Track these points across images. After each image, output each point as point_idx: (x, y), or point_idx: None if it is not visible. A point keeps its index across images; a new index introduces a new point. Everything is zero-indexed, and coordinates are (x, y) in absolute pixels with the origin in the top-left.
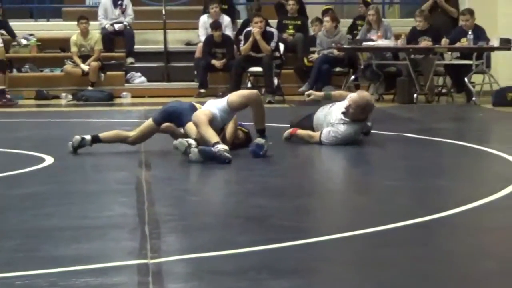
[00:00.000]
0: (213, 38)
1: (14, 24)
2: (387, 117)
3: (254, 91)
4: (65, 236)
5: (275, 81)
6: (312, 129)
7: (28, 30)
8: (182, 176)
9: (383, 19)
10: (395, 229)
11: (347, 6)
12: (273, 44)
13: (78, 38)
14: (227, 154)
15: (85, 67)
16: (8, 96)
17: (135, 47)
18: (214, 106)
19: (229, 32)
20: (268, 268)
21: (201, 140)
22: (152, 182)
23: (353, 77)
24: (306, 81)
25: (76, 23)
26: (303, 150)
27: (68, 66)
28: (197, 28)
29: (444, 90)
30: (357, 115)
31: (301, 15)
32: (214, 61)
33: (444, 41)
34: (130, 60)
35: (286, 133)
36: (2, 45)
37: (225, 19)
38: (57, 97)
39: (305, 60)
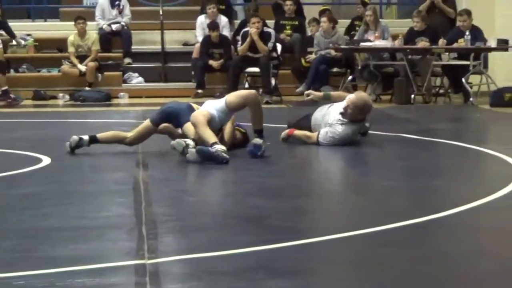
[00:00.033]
0: (211, 39)
1: (11, 24)
2: (385, 117)
3: (252, 91)
4: (62, 237)
5: (273, 81)
6: (310, 129)
7: (25, 30)
8: (179, 176)
9: (380, 20)
10: (392, 230)
11: (344, 7)
12: (270, 44)
13: (75, 38)
14: (224, 155)
15: (82, 67)
16: (12, 95)
17: (132, 47)
18: (212, 106)
19: (226, 32)
20: (265, 268)
21: (199, 141)
22: (149, 182)
23: (350, 77)
24: (303, 82)
25: (73, 23)
26: (301, 151)
27: (66, 67)
28: (194, 29)
29: (441, 91)
30: (355, 115)
31: (298, 16)
32: (211, 62)
33: (442, 42)
34: (127, 60)
35: (283, 134)
36: (1, 46)
37: (223, 20)
38: (55, 97)
39: (303, 61)
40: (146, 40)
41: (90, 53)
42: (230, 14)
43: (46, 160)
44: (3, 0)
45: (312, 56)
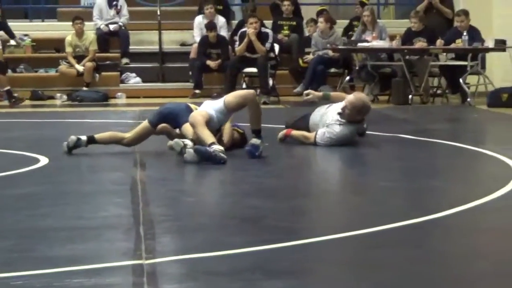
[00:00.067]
0: (208, 39)
1: (9, 24)
2: (382, 118)
3: (251, 91)
4: (60, 237)
5: (270, 82)
6: (308, 129)
7: (23, 30)
8: (177, 176)
9: (378, 20)
10: (389, 230)
11: (342, 7)
12: (268, 45)
13: (73, 38)
14: (222, 155)
15: (80, 67)
16: (15, 95)
17: (130, 47)
18: (210, 107)
19: (224, 32)
20: (262, 268)
21: (198, 141)
22: (147, 182)
23: (348, 78)
24: (301, 82)
25: (71, 23)
26: (298, 151)
27: (63, 67)
28: (192, 29)
29: (439, 91)
30: (353, 116)
31: (296, 16)
32: (209, 62)
33: (439, 42)
34: (125, 60)
35: (280, 134)
36: (0, 47)
37: (220, 20)
38: (52, 97)
39: (300, 61)
40: (144, 40)
41: (88, 53)
42: (227, 14)
43: (43, 160)
44: (2, 0)
45: (310, 57)
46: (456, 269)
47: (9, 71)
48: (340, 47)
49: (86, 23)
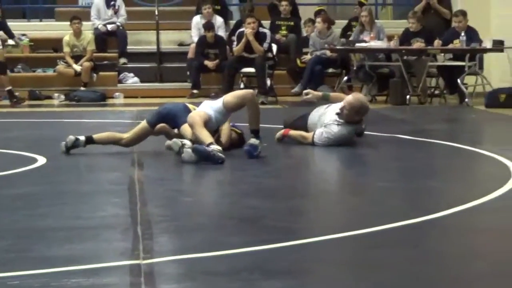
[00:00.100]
0: (206, 39)
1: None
2: (380, 118)
3: (250, 91)
4: (57, 237)
5: (268, 82)
6: (306, 129)
7: (20, 30)
8: (175, 176)
9: (376, 21)
10: (387, 230)
11: (340, 7)
12: (266, 45)
13: (70, 38)
14: (220, 155)
15: (77, 67)
16: (16, 94)
17: (127, 47)
18: (209, 107)
19: (221, 33)
20: (261, 269)
21: (196, 141)
22: (144, 182)
23: (345, 78)
24: (299, 82)
25: (68, 23)
26: (297, 151)
27: (61, 67)
28: (189, 29)
29: (436, 92)
30: (351, 116)
31: (294, 16)
32: (206, 62)
33: (437, 43)
34: (122, 60)
35: (278, 134)
36: (1, 47)
37: (218, 20)
38: (50, 97)
39: (298, 61)
40: (142, 40)
41: (86, 53)
42: (225, 14)
43: (41, 160)
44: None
45: (308, 57)
46: (454, 269)
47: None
48: (338, 47)
49: (84, 23)
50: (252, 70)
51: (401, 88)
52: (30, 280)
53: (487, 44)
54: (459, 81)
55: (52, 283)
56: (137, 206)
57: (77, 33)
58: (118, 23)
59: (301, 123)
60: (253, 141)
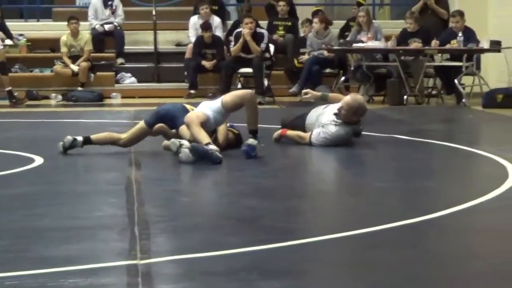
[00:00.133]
0: (203, 39)
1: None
2: (377, 118)
3: (248, 91)
4: (55, 237)
5: (265, 82)
6: (304, 128)
7: (18, 30)
8: (172, 176)
9: (373, 21)
10: (385, 231)
11: (337, 8)
12: (263, 45)
13: (68, 38)
14: (218, 154)
15: (75, 67)
16: (16, 94)
17: (125, 47)
18: (207, 107)
19: (219, 33)
20: (258, 269)
21: (194, 142)
22: (142, 182)
23: (343, 78)
24: (296, 82)
25: (66, 23)
26: (294, 151)
27: (58, 67)
28: (187, 29)
29: (434, 92)
30: (349, 117)
31: (291, 16)
32: (204, 62)
33: (434, 43)
34: (120, 60)
35: (275, 134)
36: (2, 47)
37: (216, 20)
38: (47, 97)
39: (295, 61)
40: (139, 40)
41: (83, 53)
42: (223, 14)
43: (38, 160)
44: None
45: (305, 57)
46: (452, 269)
47: None
48: (335, 47)
49: (81, 23)
50: (249, 70)
51: (399, 89)
52: (28, 280)
53: (485, 44)
54: (456, 81)
55: (50, 283)
56: (135, 206)
57: (75, 33)
58: (115, 23)
59: (299, 123)
60: (251, 141)
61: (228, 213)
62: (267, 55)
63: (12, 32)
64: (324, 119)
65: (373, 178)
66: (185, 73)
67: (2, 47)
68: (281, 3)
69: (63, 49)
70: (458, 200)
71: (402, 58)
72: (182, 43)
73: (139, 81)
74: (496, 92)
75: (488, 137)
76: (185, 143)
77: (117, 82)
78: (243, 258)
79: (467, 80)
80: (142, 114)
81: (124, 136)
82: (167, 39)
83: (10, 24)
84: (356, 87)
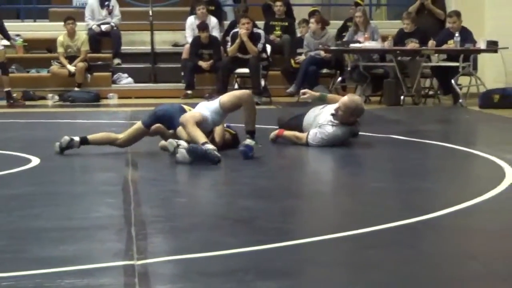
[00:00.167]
0: (200, 40)
1: None
2: (374, 119)
3: (246, 91)
4: (51, 237)
5: (262, 82)
6: (300, 128)
7: (14, 30)
8: (169, 177)
9: (370, 21)
10: (382, 231)
11: (334, 8)
12: (260, 45)
13: (64, 38)
14: (216, 153)
15: (71, 68)
16: (14, 95)
17: (122, 48)
18: (205, 108)
19: (216, 33)
20: (255, 269)
21: (191, 142)
22: (139, 183)
23: (340, 78)
24: (293, 83)
25: (63, 23)
26: (291, 152)
27: (55, 67)
28: (184, 29)
29: (431, 92)
30: (346, 117)
31: (288, 17)
32: (201, 62)
33: (431, 43)
34: (116, 61)
35: (272, 134)
36: (2, 47)
37: (212, 21)
38: (44, 98)
39: (292, 62)
40: (136, 40)
41: (80, 53)
42: (219, 15)
43: (35, 161)
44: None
45: (302, 57)
46: (448, 269)
47: (0, 71)
48: (332, 47)
49: (78, 23)
50: (246, 70)
51: (395, 89)
52: (24, 280)
53: (481, 44)
54: (453, 81)
55: (46, 284)
56: (131, 206)
57: (71, 34)
58: (112, 24)
59: (296, 123)
60: (249, 141)
61: (225, 214)
62: (264, 55)
63: (9, 32)
64: (321, 120)
65: (370, 178)
66: (182, 73)
67: (2, 47)
68: (278, 3)
69: (60, 50)
70: (455, 200)
71: (399, 58)
72: (179, 43)
73: (135, 82)
74: (493, 93)
75: (485, 138)
76: (183, 143)
77: (114, 82)
78: (240, 259)
79: (464, 80)
80: (139, 115)
81: (121, 136)
82: (163, 40)
83: (7, 24)
84: (353, 87)
